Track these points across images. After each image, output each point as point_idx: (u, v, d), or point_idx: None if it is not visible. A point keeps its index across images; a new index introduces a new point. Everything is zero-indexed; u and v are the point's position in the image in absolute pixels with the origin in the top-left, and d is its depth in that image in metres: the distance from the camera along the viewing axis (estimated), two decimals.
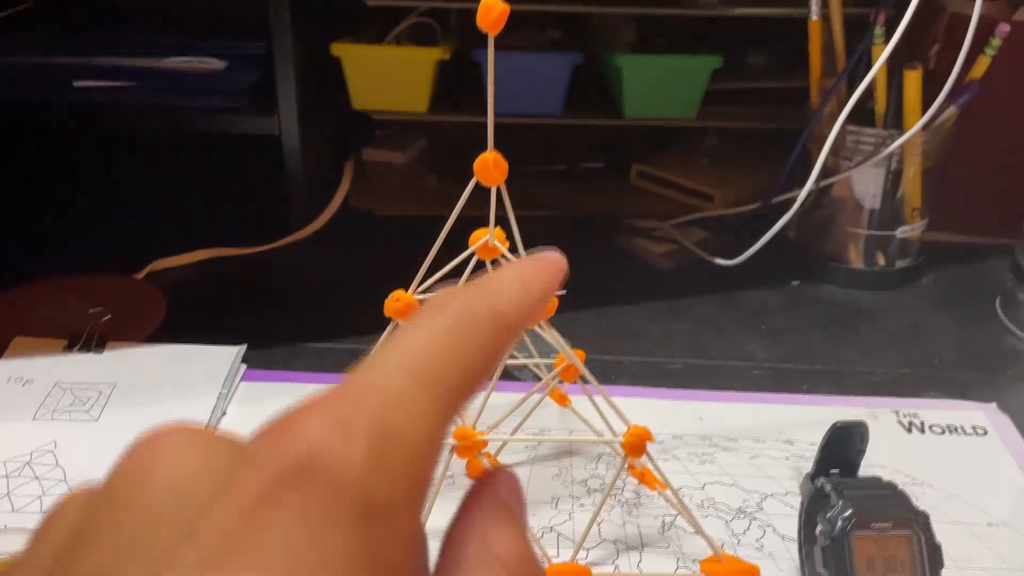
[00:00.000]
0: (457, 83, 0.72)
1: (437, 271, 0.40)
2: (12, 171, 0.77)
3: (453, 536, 0.20)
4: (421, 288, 0.40)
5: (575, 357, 0.41)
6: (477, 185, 0.38)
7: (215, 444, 0.17)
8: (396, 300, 0.39)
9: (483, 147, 0.37)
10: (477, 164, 0.37)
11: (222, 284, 0.63)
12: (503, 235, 0.43)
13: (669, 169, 0.76)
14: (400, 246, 0.70)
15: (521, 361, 0.47)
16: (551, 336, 0.41)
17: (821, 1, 0.60)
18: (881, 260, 0.63)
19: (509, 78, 0.66)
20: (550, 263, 0.22)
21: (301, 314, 0.59)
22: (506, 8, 0.33)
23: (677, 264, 0.66)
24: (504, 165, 0.37)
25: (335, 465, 0.15)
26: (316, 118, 0.68)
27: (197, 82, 0.64)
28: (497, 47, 0.35)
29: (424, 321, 0.19)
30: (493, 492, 0.20)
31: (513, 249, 0.41)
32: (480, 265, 0.44)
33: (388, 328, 0.40)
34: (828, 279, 0.64)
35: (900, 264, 0.63)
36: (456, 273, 0.42)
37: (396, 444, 0.16)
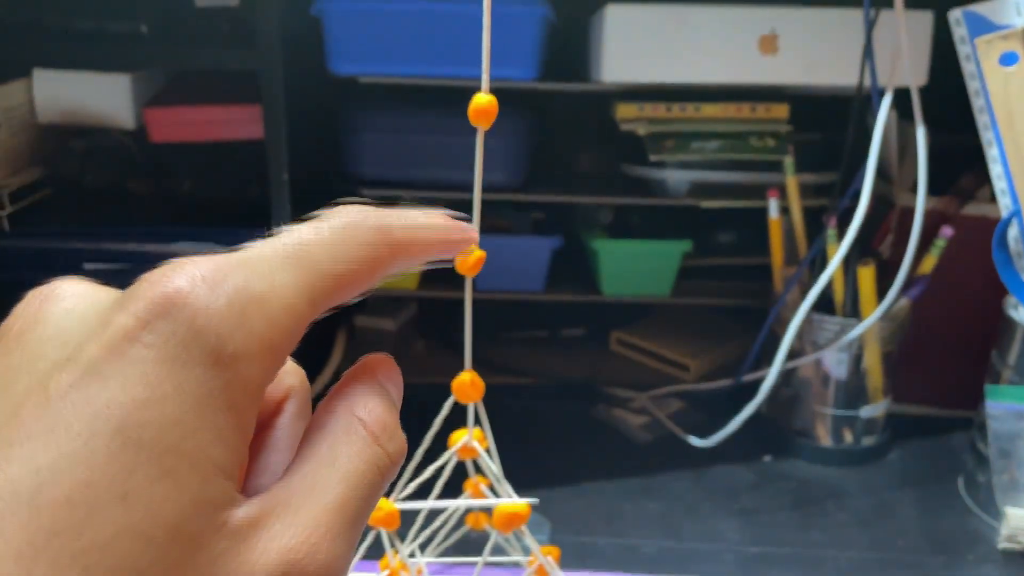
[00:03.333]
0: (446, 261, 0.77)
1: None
2: None
3: (324, 404, 0.21)
4: (403, 496, 0.42)
5: (548, 560, 0.43)
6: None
7: (99, 291, 0.19)
8: (378, 510, 0.41)
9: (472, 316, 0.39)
10: (455, 384, 0.40)
11: None
12: (482, 435, 0.46)
13: (647, 338, 0.80)
14: None
15: (503, 559, 0.49)
16: (527, 540, 0.43)
17: (780, 197, 0.65)
18: (848, 437, 0.66)
19: (493, 257, 0.70)
20: (461, 226, 0.25)
21: None
22: (482, 255, 0.37)
23: (654, 436, 0.69)
24: (480, 385, 0.40)
25: (195, 311, 0.17)
26: None
27: None
28: (484, 230, 0.38)
29: (313, 220, 0.20)
30: (369, 372, 0.22)
31: (491, 452, 0.44)
32: (460, 465, 0.47)
33: (367, 540, 0.42)
34: (798, 455, 0.67)
35: (867, 441, 0.66)
36: (437, 473, 0.45)
37: (256, 307, 0.18)
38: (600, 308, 0.81)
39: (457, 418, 0.43)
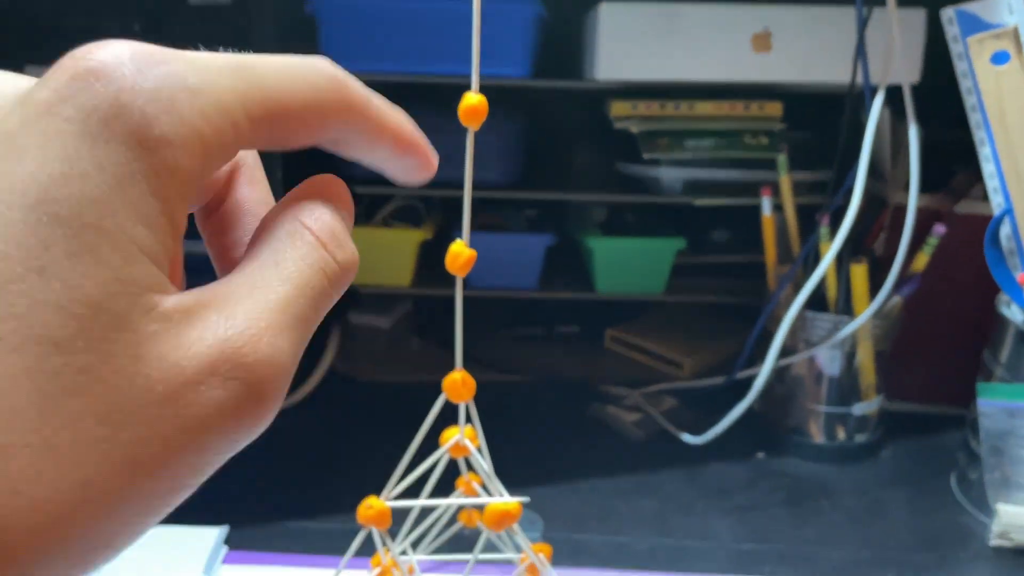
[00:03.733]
0: (440, 259, 0.77)
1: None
2: None
3: (270, 214, 0.20)
4: (395, 494, 0.43)
5: (540, 558, 0.44)
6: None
7: (23, 78, 0.19)
8: (369, 508, 0.41)
9: (465, 313, 0.39)
10: (446, 383, 0.40)
11: None
12: (473, 433, 0.46)
13: (641, 335, 0.80)
14: (382, 414, 0.73)
15: (495, 557, 0.50)
16: (518, 538, 0.43)
17: (773, 195, 0.65)
18: (841, 435, 0.66)
19: (488, 255, 0.70)
20: (424, 142, 0.23)
21: (285, 488, 0.61)
22: (472, 255, 0.38)
23: (647, 434, 0.69)
24: (472, 384, 0.40)
25: (120, 88, 0.16)
26: None
27: (196, 261, 0.67)
28: (478, 227, 0.38)
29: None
30: (318, 189, 0.21)
31: (482, 450, 0.44)
32: (452, 463, 0.47)
33: (358, 537, 0.42)
34: (791, 452, 0.67)
35: (859, 439, 0.66)
36: (429, 470, 0.45)
37: (187, 96, 0.17)
38: (594, 306, 0.81)
39: (450, 415, 0.43)
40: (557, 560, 0.50)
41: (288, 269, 0.19)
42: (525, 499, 0.41)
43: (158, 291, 0.17)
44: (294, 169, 0.67)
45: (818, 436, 0.66)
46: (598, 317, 0.83)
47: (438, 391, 0.41)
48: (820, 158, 0.70)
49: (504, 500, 0.41)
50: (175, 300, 0.17)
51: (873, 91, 0.58)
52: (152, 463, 0.16)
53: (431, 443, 0.44)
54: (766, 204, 0.64)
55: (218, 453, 0.18)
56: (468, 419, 0.43)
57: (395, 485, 0.42)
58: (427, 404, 0.42)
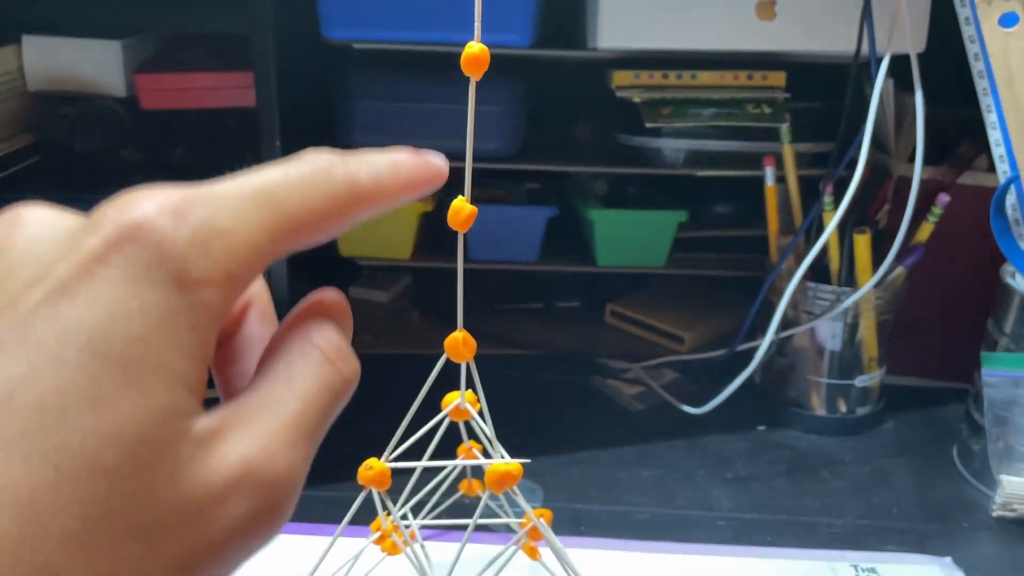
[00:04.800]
0: (440, 230, 0.76)
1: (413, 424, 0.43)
2: None
3: (279, 332, 0.22)
4: (395, 455, 0.42)
5: (541, 522, 0.43)
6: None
7: (64, 217, 0.20)
8: (369, 469, 0.41)
9: (465, 287, 0.39)
10: (448, 343, 0.40)
11: None
12: (474, 398, 0.45)
13: (642, 309, 0.79)
14: (381, 386, 0.73)
15: (495, 521, 0.49)
16: (519, 500, 0.43)
17: (776, 166, 0.65)
18: (843, 407, 0.66)
19: (488, 227, 0.70)
20: (428, 162, 0.24)
21: None
22: (474, 211, 0.37)
23: (647, 406, 0.69)
24: (472, 343, 0.40)
25: (161, 237, 0.18)
26: (304, 264, 0.72)
27: None
28: (478, 199, 0.38)
29: (282, 163, 0.21)
30: (321, 309, 0.23)
31: (483, 414, 0.44)
32: (453, 427, 0.46)
33: (358, 499, 0.42)
34: (792, 424, 0.66)
35: (861, 411, 0.66)
36: (429, 437, 0.44)
37: (220, 239, 0.19)
38: (595, 279, 0.81)
39: (452, 382, 0.43)
40: (557, 528, 0.50)
41: (299, 386, 0.21)
42: (526, 460, 0.41)
43: (192, 415, 0.18)
44: (291, 138, 0.67)
45: (819, 408, 0.66)
46: (598, 291, 0.82)
47: (436, 362, 0.41)
48: (823, 129, 0.69)
49: (505, 461, 0.41)
50: (204, 423, 0.19)
51: (878, 60, 0.58)
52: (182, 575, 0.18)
53: (432, 410, 0.43)
54: (769, 174, 0.64)
55: (237, 561, 0.19)
56: (470, 384, 0.42)
57: (395, 446, 0.42)
58: (427, 376, 0.41)
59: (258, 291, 0.24)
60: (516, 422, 0.42)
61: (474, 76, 0.34)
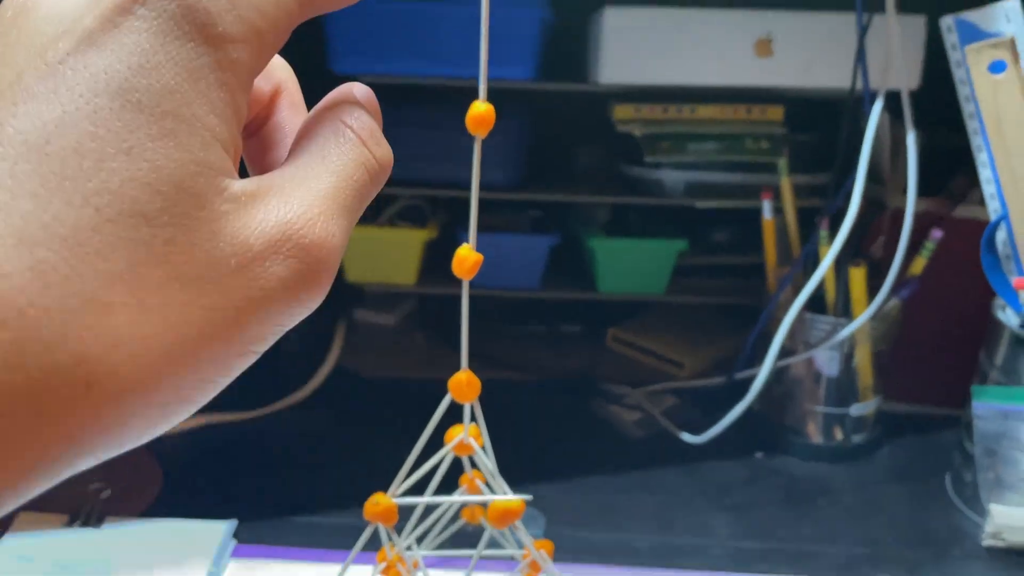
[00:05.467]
0: (444, 256, 0.78)
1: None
2: None
3: (312, 115, 0.22)
4: (400, 491, 0.44)
5: (542, 554, 0.45)
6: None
7: None
8: (376, 504, 0.42)
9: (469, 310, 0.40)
10: (452, 383, 0.41)
11: (216, 450, 0.66)
12: (478, 432, 0.47)
13: (642, 335, 0.81)
14: (387, 410, 0.75)
15: (497, 552, 0.51)
16: (520, 536, 0.44)
17: (773, 197, 0.66)
18: (839, 435, 0.67)
19: (491, 255, 0.71)
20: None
21: (292, 483, 0.63)
22: (479, 259, 0.39)
23: (647, 432, 0.70)
24: (477, 384, 0.41)
25: None
26: None
27: None
28: (482, 228, 0.39)
29: None
30: (349, 94, 0.23)
31: (486, 449, 0.45)
32: (456, 461, 0.48)
33: (365, 533, 0.43)
34: (789, 451, 0.68)
35: (856, 439, 0.67)
36: (433, 472, 0.46)
37: (249, 2, 0.19)
38: (596, 305, 0.82)
39: (456, 411, 0.44)
40: (559, 556, 0.51)
41: (334, 163, 0.21)
42: (528, 497, 0.42)
43: (228, 175, 0.18)
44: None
45: (816, 436, 0.67)
46: (600, 316, 0.84)
47: (442, 388, 0.42)
48: (820, 162, 0.71)
49: (507, 498, 0.42)
50: (241, 185, 0.19)
51: (872, 96, 0.59)
52: (227, 328, 0.18)
53: (436, 440, 0.45)
54: (766, 207, 0.65)
55: (279, 324, 0.20)
56: (472, 418, 0.44)
57: (401, 482, 0.43)
58: (431, 400, 0.43)
59: (287, 79, 0.24)
60: (518, 447, 0.44)
61: (480, 134, 0.35)
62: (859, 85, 0.60)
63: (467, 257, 0.38)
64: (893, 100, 0.60)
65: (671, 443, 0.68)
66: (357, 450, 0.67)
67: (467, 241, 0.38)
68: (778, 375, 0.67)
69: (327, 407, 0.73)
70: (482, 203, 0.39)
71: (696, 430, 0.67)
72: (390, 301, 0.84)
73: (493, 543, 0.53)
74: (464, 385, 0.41)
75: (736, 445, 0.68)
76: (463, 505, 0.54)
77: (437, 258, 0.78)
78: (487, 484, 0.47)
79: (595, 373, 0.78)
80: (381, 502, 0.42)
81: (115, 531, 0.55)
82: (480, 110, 0.34)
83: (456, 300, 0.39)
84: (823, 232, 0.62)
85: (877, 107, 0.58)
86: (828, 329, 0.64)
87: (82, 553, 0.53)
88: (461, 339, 0.41)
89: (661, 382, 0.76)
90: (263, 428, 0.69)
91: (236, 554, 0.54)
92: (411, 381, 0.75)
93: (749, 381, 0.66)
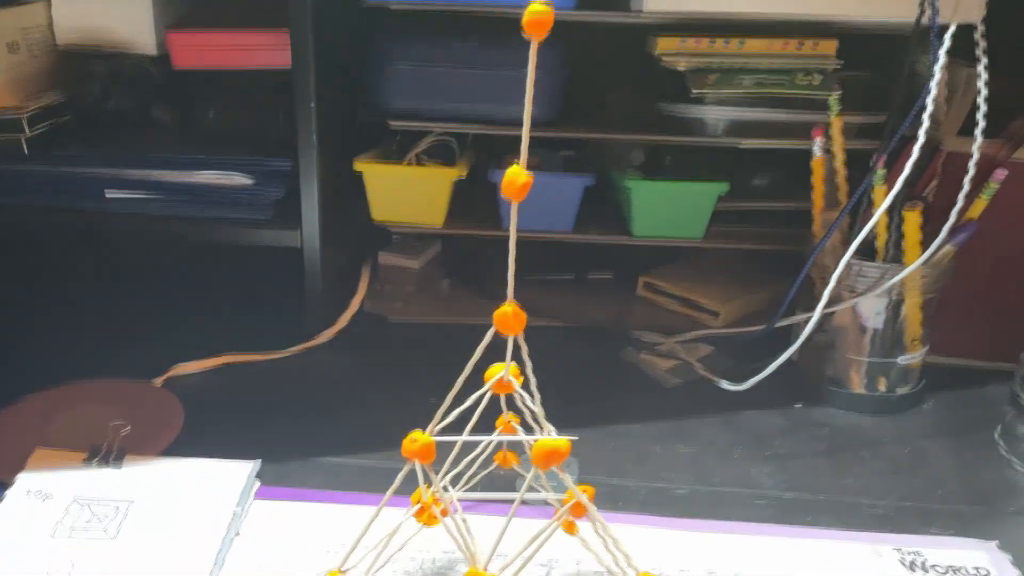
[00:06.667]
0: (473, 197, 0.75)
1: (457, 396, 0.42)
2: (40, 275, 0.80)
3: None
4: (439, 428, 0.41)
5: (585, 497, 0.42)
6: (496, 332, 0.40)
7: None
8: (414, 442, 0.40)
9: (495, 255, 0.38)
10: (498, 315, 0.39)
11: (240, 391, 0.64)
12: (518, 371, 0.44)
13: (675, 282, 0.78)
14: (413, 354, 0.72)
15: (537, 496, 0.48)
16: (564, 477, 0.42)
17: (824, 138, 0.63)
18: (883, 386, 0.65)
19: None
20: None
21: (317, 425, 0.61)
22: (530, 179, 0.36)
23: (683, 381, 0.68)
24: (523, 317, 0.39)
25: None
26: (336, 229, 0.71)
27: (225, 196, 0.66)
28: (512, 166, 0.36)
29: None
30: None
31: (527, 387, 0.43)
32: (494, 400, 0.46)
33: (404, 468, 0.41)
34: (830, 402, 0.65)
35: (901, 390, 0.65)
36: (472, 410, 0.44)
37: None
38: (626, 251, 0.79)
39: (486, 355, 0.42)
40: (595, 504, 0.49)
41: None
42: (574, 437, 0.40)
43: None
44: (327, 100, 0.65)
45: (858, 386, 0.65)
46: (631, 262, 0.81)
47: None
48: (872, 100, 0.67)
49: (553, 437, 0.40)
50: None
51: (942, 30, 0.55)
52: None
53: (469, 381, 0.42)
54: (817, 146, 0.62)
55: None
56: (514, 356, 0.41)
57: (440, 419, 0.41)
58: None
59: None
60: (548, 394, 0.41)
61: (536, 37, 0.32)
62: (925, 17, 0.57)
63: (518, 177, 0.36)
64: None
65: (706, 392, 0.66)
66: (381, 393, 0.65)
67: (516, 164, 0.36)
68: (820, 323, 0.65)
69: (350, 350, 0.70)
70: (513, 141, 0.36)
71: (733, 379, 0.64)
72: (415, 244, 0.81)
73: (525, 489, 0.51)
74: (510, 317, 0.39)
75: (774, 395, 0.65)
76: (495, 450, 0.52)
77: (465, 199, 0.75)
78: (524, 427, 0.45)
79: (625, 321, 0.75)
80: (419, 439, 0.40)
81: (138, 468, 0.53)
82: (538, 9, 0.32)
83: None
84: (880, 171, 0.58)
85: (946, 41, 0.55)
86: (877, 275, 0.61)
87: (104, 490, 0.51)
88: (508, 268, 0.38)
89: (694, 330, 0.73)
90: (287, 370, 0.67)
91: (260, 495, 0.53)
92: (435, 325, 0.73)
93: (787, 330, 0.63)
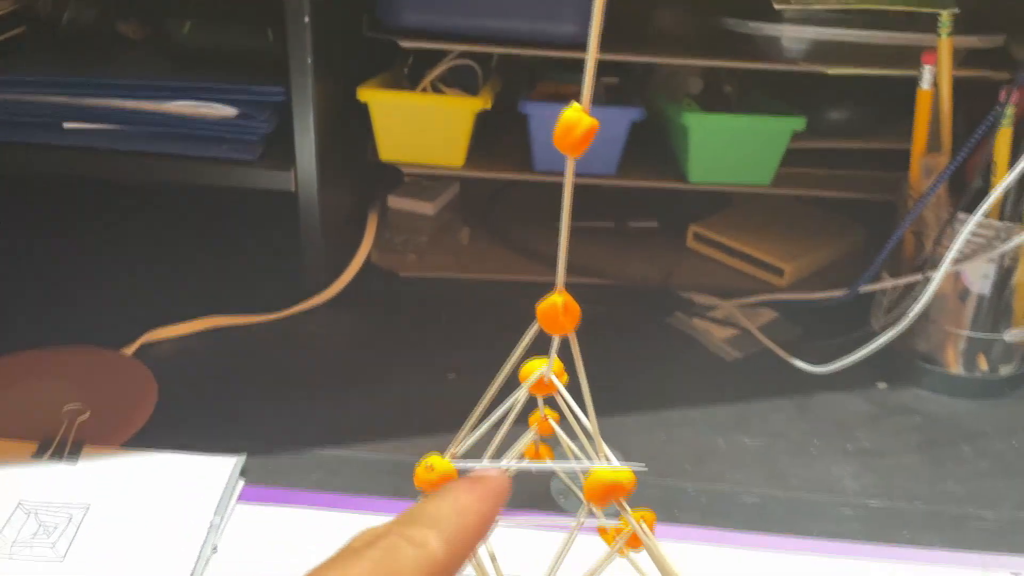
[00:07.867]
0: (498, 132, 0.64)
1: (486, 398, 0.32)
2: None
3: None
4: (462, 451, 0.32)
5: (643, 528, 0.33)
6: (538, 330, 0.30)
7: None
8: (430, 470, 0.31)
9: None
10: (543, 309, 0.29)
11: (224, 362, 0.55)
12: (561, 367, 0.35)
13: (731, 233, 0.68)
14: (428, 315, 0.63)
15: (593, 521, 0.39)
16: (622, 510, 0.32)
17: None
18: (983, 365, 0.55)
19: None
20: (489, 489, 0.22)
21: (314, 405, 0.52)
22: (594, 124, 0.25)
23: (744, 354, 0.58)
24: (576, 312, 0.29)
25: None
26: (338, 170, 0.61)
27: (205, 129, 0.56)
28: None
29: (341, 562, 0.18)
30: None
31: (576, 393, 0.33)
32: (531, 402, 0.36)
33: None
34: (920, 383, 0.56)
35: (1004, 371, 0.55)
36: (501, 420, 0.34)
37: None
38: (674, 195, 0.69)
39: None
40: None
41: None
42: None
43: None
44: (323, 14, 0.54)
45: (955, 366, 0.55)
46: (678, 209, 0.70)
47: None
48: (984, 19, 0.55)
49: (612, 466, 0.30)
50: None
51: None
52: None
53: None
54: (926, 75, 0.51)
55: None
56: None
57: (461, 441, 0.32)
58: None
59: None
60: (585, 368, 0.32)
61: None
62: None
63: (577, 122, 0.25)
64: None
65: (773, 367, 0.56)
66: (390, 366, 0.55)
67: (574, 104, 0.25)
68: (910, 290, 0.54)
69: (355, 311, 0.61)
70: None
71: (803, 352, 0.55)
72: (429, 187, 0.71)
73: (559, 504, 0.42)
74: (559, 312, 0.29)
75: (854, 372, 0.55)
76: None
77: (488, 134, 0.64)
78: (560, 423, 0.36)
79: (674, 280, 0.65)
80: (437, 467, 0.31)
81: (98, 464, 0.44)
82: None
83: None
84: (1009, 107, 0.47)
85: None
86: (990, 235, 0.50)
87: (55, 493, 0.42)
88: (560, 246, 0.28)
89: (753, 291, 0.63)
90: (279, 336, 0.58)
91: (244, 498, 0.44)
92: (453, 281, 0.63)
93: (868, 297, 0.53)
